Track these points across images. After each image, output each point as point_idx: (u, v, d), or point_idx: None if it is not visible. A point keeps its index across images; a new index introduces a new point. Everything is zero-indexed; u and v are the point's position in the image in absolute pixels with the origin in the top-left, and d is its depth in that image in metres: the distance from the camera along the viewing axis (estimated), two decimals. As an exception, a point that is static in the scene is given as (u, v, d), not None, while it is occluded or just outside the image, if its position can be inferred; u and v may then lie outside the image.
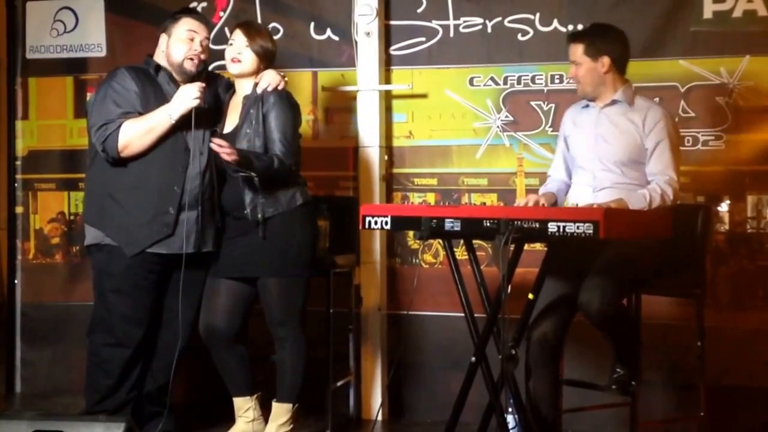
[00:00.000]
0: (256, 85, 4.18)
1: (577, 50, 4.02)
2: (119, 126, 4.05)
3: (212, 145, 3.94)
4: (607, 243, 3.75)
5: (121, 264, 4.13)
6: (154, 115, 4.09)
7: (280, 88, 4.17)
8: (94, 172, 4.24)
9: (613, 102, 4.04)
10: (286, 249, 4.15)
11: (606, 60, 4.00)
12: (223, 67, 4.32)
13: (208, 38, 4.24)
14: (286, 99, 4.17)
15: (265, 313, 4.21)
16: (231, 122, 4.23)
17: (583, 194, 4.01)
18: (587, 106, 4.13)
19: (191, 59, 4.15)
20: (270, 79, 4.17)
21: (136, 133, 4.06)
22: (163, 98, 4.15)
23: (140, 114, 4.10)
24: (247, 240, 4.15)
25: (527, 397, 3.99)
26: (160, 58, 4.22)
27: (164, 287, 4.25)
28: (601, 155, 4.00)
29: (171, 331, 4.24)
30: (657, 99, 4.65)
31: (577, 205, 3.84)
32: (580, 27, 4.72)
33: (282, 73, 4.24)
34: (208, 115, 4.21)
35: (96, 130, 4.10)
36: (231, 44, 4.22)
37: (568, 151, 4.18)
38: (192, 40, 4.16)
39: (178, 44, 4.16)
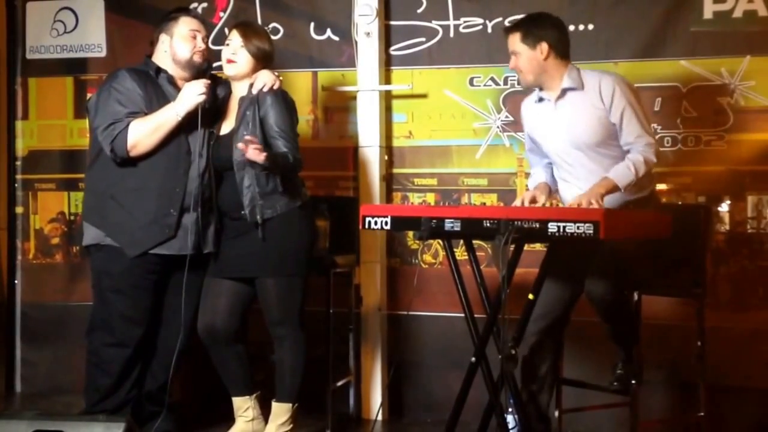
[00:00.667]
0: (251, 86, 4.18)
1: (515, 40, 4.00)
2: (127, 125, 4.06)
3: (239, 144, 3.93)
4: (606, 243, 3.76)
5: (120, 264, 4.13)
6: (160, 113, 4.10)
7: (275, 87, 4.17)
8: (95, 173, 4.24)
9: (564, 91, 4.00)
10: (284, 249, 4.15)
11: (544, 46, 3.96)
12: (221, 68, 4.31)
13: (207, 37, 4.26)
14: (282, 98, 4.17)
15: (264, 313, 4.21)
16: (227, 124, 4.23)
17: (576, 191, 3.99)
18: (541, 100, 4.09)
19: (197, 54, 4.17)
20: (265, 79, 4.16)
21: (145, 132, 4.07)
22: (165, 99, 4.16)
23: (146, 114, 4.11)
24: (245, 240, 4.15)
25: (528, 398, 4.00)
26: (161, 58, 4.22)
27: (164, 287, 4.26)
28: (576, 145, 3.97)
29: (171, 331, 4.24)
30: (659, 99, 4.66)
31: (580, 205, 3.83)
32: (581, 27, 4.72)
33: (276, 73, 4.23)
34: (211, 114, 4.22)
35: (103, 130, 4.10)
36: (227, 44, 4.22)
37: (537, 145, 4.15)
38: (195, 38, 4.18)
39: (182, 42, 4.18)
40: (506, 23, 4.22)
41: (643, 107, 4.02)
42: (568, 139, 3.98)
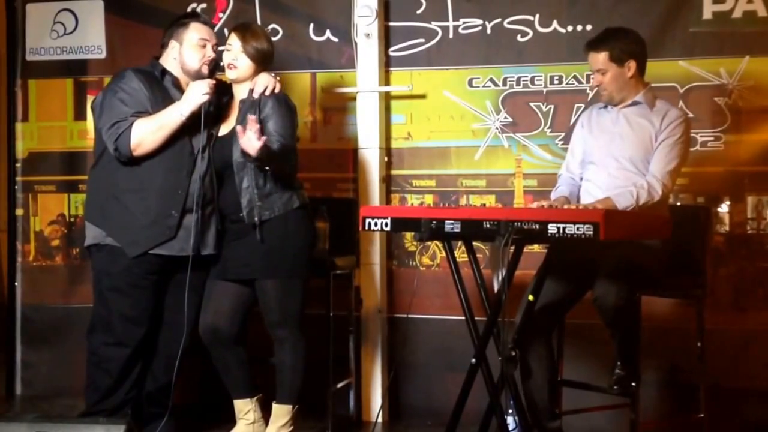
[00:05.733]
0: (251, 90, 4.17)
1: (601, 58, 4.00)
2: (131, 125, 4.06)
3: (238, 126, 3.91)
4: (613, 246, 3.76)
5: (121, 264, 4.13)
6: (164, 112, 4.10)
7: (277, 91, 4.17)
8: (98, 173, 4.25)
9: (634, 103, 4.04)
10: (283, 251, 4.15)
11: (632, 64, 4.00)
12: (223, 69, 4.31)
13: (217, 43, 4.25)
14: (284, 102, 4.17)
15: (264, 315, 4.21)
16: (227, 125, 4.22)
17: (595, 193, 4.00)
18: (606, 106, 4.13)
19: (206, 64, 4.18)
20: (265, 82, 4.16)
21: (148, 131, 4.06)
22: (170, 101, 4.15)
23: (150, 114, 4.11)
24: (245, 243, 4.15)
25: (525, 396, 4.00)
26: (169, 64, 4.22)
27: (164, 287, 4.26)
28: (615, 153, 4.00)
29: (171, 332, 4.24)
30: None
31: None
32: (579, 28, 4.72)
33: (273, 74, 4.23)
34: (214, 116, 4.22)
35: (107, 129, 4.10)
36: (228, 49, 4.21)
37: (580, 149, 4.17)
38: (204, 47, 4.18)
39: (192, 52, 4.18)
40: (589, 39, 4.09)
41: (685, 156, 4.03)
42: (614, 144, 4.00)
